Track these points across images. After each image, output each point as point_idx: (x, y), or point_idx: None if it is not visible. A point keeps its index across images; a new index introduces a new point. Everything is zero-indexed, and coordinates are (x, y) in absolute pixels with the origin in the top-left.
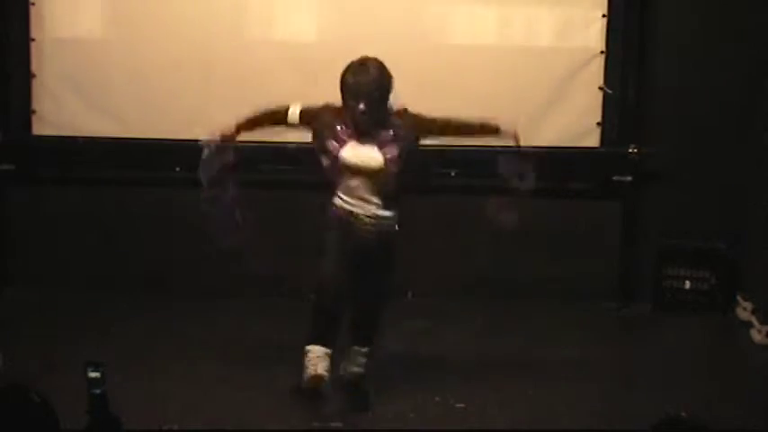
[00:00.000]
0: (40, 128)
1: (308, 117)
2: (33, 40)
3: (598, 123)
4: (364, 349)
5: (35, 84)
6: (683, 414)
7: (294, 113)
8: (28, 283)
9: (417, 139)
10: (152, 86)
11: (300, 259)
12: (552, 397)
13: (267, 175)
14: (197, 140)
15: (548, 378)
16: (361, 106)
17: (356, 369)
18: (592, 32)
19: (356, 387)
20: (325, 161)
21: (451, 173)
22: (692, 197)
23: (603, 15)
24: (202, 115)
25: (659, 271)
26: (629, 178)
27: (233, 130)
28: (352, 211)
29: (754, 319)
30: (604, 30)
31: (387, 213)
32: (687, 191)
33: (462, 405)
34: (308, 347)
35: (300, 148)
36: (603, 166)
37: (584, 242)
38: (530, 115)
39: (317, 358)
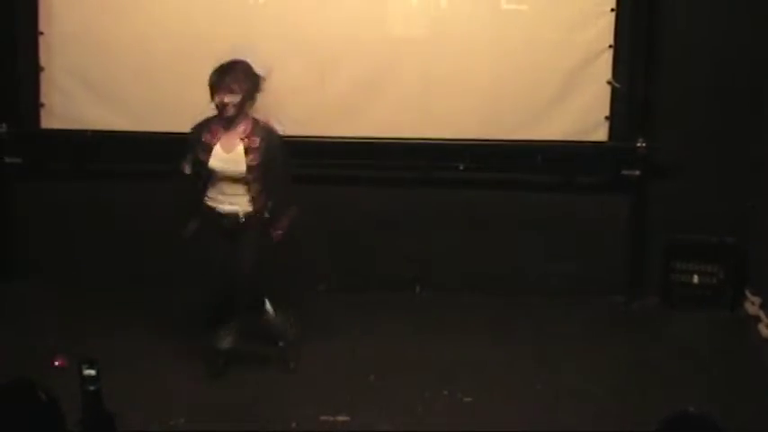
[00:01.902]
0: (49, 121)
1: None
2: (42, 33)
3: (606, 117)
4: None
5: (43, 77)
6: (691, 409)
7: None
8: (35, 277)
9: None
10: (160, 80)
11: (302, 250)
12: (560, 391)
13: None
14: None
15: (555, 372)
16: (226, 99)
17: (223, 345)
18: (600, 27)
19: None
20: (194, 168)
21: (459, 167)
22: (701, 191)
23: (612, 9)
24: (211, 108)
25: (667, 265)
26: (638, 172)
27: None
28: (221, 210)
29: (762, 314)
30: (613, 24)
31: (251, 209)
32: (695, 185)
33: (470, 399)
34: (216, 328)
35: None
36: (612, 160)
37: (593, 236)
38: (538, 109)
39: (224, 333)
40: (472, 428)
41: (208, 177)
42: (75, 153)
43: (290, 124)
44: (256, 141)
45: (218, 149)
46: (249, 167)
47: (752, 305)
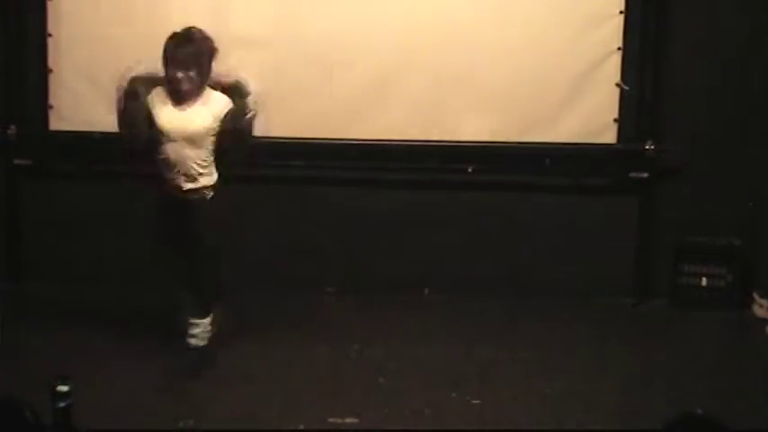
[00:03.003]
0: (57, 123)
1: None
2: (50, 35)
3: (615, 120)
4: (195, 320)
5: (52, 79)
6: (699, 411)
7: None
8: (42, 278)
9: (237, 112)
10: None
11: (311, 253)
12: (568, 393)
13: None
14: None
15: (564, 374)
16: (179, 74)
17: (192, 341)
18: (609, 29)
19: (192, 357)
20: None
21: (468, 169)
22: (709, 194)
23: (621, 12)
24: None
25: (675, 268)
26: (646, 175)
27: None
28: (173, 179)
29: None
30: (622, 26)
31: (205, 180)
32: (704, 188)
33: (478, 401)
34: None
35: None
36: (620, 162)
37: (601, 238)
38: (547, 111)
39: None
40: (480, 430)
41: (156, 140)
42: (84, 155)
43: (297, 126)
44: (215, 104)
45: (171, 106)
46: (206, 128)
47: (760, 307)
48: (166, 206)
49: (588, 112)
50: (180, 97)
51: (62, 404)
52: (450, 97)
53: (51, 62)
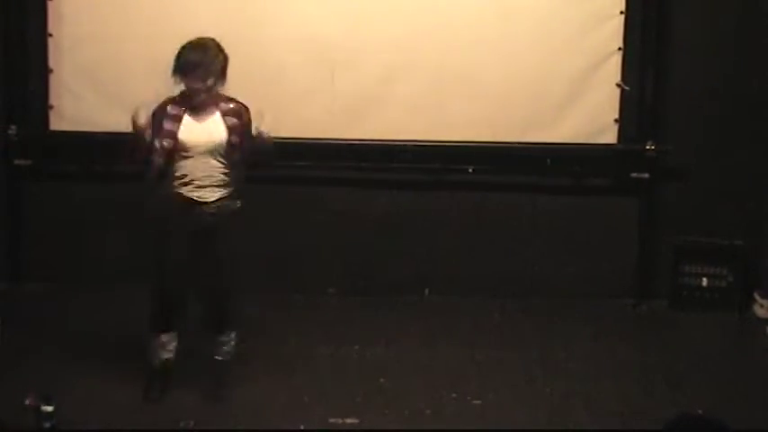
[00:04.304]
0: (58, 123)
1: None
2: (51, 35)
3: (616, 120)
4: (223, 337)
5: (52, 79)
6: (700, 411)
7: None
8: (44, 279)
9: (245, 126)
10: (169, 82)
11: (313, 253)
12: (568, 394)
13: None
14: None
15: (564, 375)
16: (194, 83)
17: (218, 357)
18: (610, 29)
19: (215, 375)
20: (161, 144)
21: (469, 169)
22: (710, 194)
23: (621, 12)
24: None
25: (676, 268)
26: (647, 175)
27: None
28: (190, 196)
29: None
30: (622, 26)
31: (224, 193)
32: (705, 188)
33: (479, 401)
34: (154, 335)
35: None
36: (621, 162)
37: (601, 239)
38: (548, 111)
39: (163, 343)
40: (481, 431)
41: (175, 156)
42: (85, 155)
43: (299, 126)
44: (233, 109)
45: (188, 119)
46: (231, 130)
47: (761, 308)
48: (178, 228)
49: (589, 113)
50: (194, 107)
51: (48, 425)
52: (451, 98)
53: (52, 62)
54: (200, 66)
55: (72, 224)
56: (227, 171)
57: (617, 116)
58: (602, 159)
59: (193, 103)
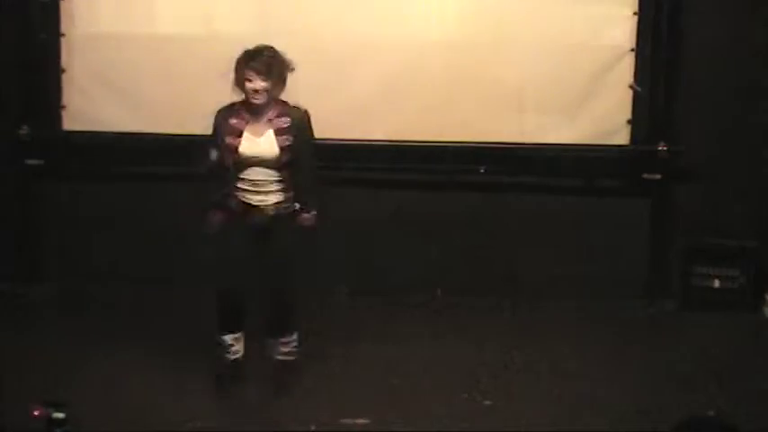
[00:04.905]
0: (70, 123)
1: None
2: (63, 35)
3: (628, 121)
4: (283, 339)
5: (65, 79)
6: (711, 413)
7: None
8: (57, 278)
9: (305, 131)
10: (181, 82)
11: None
12: (579, 395)
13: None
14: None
15: (575, 376)
16: (254, 86)
17: (279, 357)
18: (622, 30)
19: (278, 375)
20: (220, 155)
21: (480, 169)
22: (722, 195)
23: (634, 13)
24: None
25: (688, 269)
26: (659, 176)
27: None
28: (250, 202)
29: None
30: (635, 27)
31: (283, 197)
32: (716, 189)
33: (490, 402)
34: (221, 337)
35: None
36: (633, 163)
37: (613, 240)
38: (560, 112)
39: (229, 345)
40: (492, 431)
41: (235, 165)
42: (97, 155)
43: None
44: (287, 122)
45: (247, 134)
46: (282, 149)
47: None
48: (239, 231)
49: (601, 114)
50: (254, 116)
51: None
52: (463, 98)
53: (64, 62)
54: (258, 69)
55: (84, 224)
56: (285, 177)
57: (629, 117)
58: (614, 160)
59: (253, 109)
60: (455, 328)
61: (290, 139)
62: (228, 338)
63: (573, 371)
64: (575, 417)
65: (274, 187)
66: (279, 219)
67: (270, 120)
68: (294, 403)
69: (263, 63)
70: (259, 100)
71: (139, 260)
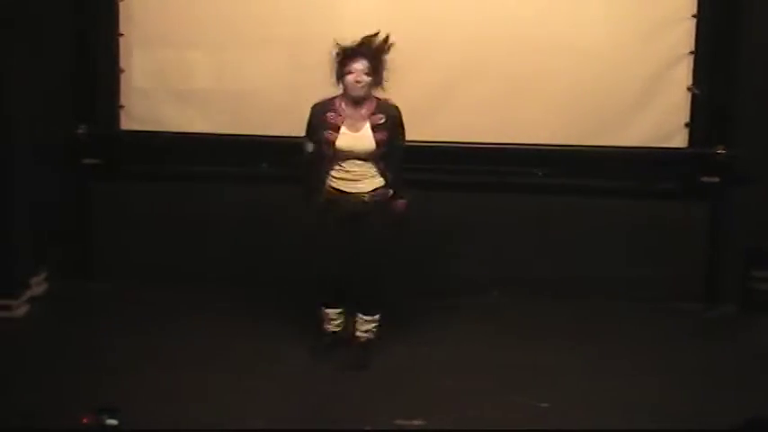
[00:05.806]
0: (128, 123)
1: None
2: (122, 35)
3: (686, 124)
4: (367, 317)
5: (123, 79)
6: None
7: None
8: (112, 278)
9: (398, 128)
10: (239, 82)
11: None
12: (637, 398)
13: None
14: (283, 136)
15: (632, 379)
16: (361, 65)
17: (361, 334)
18: (681, 32)
19: (361, 349)
20: (317, 148)
21: (539, 173)
22: None
23: (693, 16)
24: (289, 111)
25: (746, 273)
26: (717, 179)
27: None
28: (346, 189)
29: None
30: (694, 30)
31: (377, 185)
32: None
33: (547, 405)
34: (324, 310)
35: None
36: (691, 166)
37: (671, 243)
38: (618, 115)
39: (330, 318)
40: None
41: (332, 157)
42: (154, 155)
43: None
44: (382, 118)
45: (344, 129)
46: (378, 144)
47: None
48: (337, 217)
49: (659, 116)
50: (351, 106)
51: None
52: (519, 100)
53: (123, 62)
54: (360, 61)
55: (142, 223)
56: (379, 167)
57: (687, 120)
58: (672, 163)
59: (350, 104)
60: (512, 328)
61: (386, 134)
62: (331, 312)
63: (630, 373)
64: (631, 419)
65: (369, 176)
66: (372, 205)
67: (366, 115)
68: (348, 401)
69: (366, 56)
70: (360, 93)
71: (196, 260)
